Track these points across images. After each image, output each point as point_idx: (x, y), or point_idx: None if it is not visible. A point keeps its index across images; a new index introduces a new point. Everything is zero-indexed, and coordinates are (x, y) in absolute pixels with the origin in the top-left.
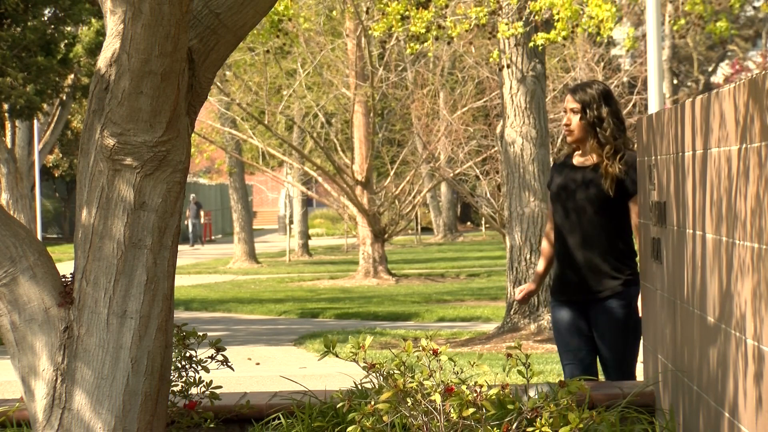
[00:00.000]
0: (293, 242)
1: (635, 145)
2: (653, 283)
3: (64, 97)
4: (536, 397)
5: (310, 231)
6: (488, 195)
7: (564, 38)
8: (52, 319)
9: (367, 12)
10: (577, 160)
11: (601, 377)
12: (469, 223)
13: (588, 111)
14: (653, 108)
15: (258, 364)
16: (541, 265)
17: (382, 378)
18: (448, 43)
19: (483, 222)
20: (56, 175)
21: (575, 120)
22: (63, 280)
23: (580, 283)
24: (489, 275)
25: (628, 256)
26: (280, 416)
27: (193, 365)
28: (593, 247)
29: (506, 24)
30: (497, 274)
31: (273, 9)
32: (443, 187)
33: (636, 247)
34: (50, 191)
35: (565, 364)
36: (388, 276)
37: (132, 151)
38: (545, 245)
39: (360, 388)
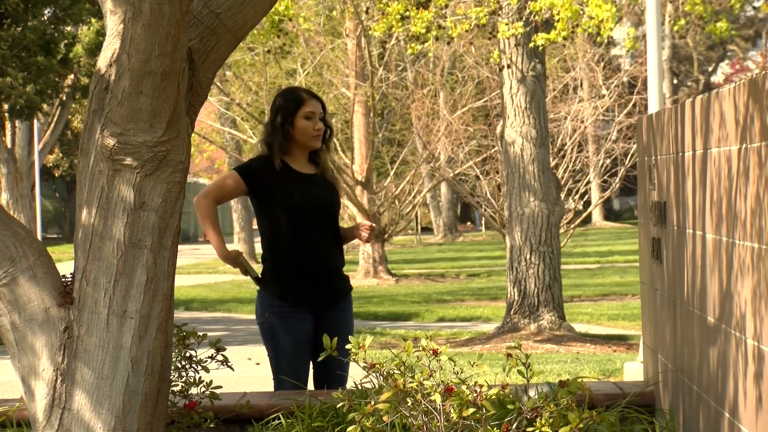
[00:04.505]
0: None
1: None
2: (653, 283)
3: (64, 97)
4: (536, 397)
5: None
6: (488, 195)
7: (564, 38)
8: (52, 319)
9: (367, 12)
10: (299, 167)
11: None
12: (469, 223)
13: (326, 119)
14: (653, 108)
15: (258, 364)
16: None
17: (382, 378)
18: (448, 43)
19: (483, 222)
20: (56, 175)
21: (321, 126)
22: (63, 280)
23: None
24: (489, 275)
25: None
26: (280, 416)
27: (193, 365)
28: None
29: (506, 24)
30: (497, 274)
31: (273, 9)
32: (443, 187)
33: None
34: (50, 191)
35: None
36: (388, 276)
37: (132, 151)
38: None
39: (360, 388)
